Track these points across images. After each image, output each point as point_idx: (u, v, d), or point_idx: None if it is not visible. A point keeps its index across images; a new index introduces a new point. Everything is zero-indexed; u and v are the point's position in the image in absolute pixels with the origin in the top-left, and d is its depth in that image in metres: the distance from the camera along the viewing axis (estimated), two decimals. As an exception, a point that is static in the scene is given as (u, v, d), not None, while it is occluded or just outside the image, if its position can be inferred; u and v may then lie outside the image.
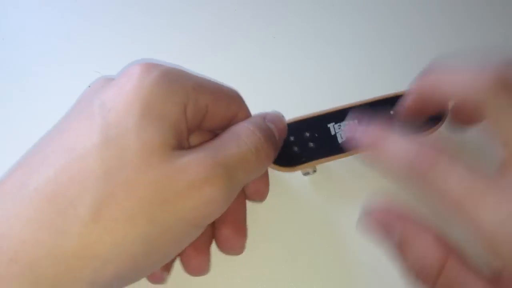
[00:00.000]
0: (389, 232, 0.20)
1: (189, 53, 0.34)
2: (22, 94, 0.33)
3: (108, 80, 0.23)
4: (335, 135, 0.27)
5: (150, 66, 0.22)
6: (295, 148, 0.28)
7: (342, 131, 0.28)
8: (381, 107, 0.28)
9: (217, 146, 0.21)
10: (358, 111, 0.28)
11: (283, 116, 0.26)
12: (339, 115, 0.28)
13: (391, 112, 0.27)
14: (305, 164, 0.28)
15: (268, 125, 0.24)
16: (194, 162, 0.20)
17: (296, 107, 0.28)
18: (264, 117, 0.25)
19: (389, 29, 0.34)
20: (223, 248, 0.25)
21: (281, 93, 0.32)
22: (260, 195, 0.26)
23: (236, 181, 0.21)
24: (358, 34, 0.34)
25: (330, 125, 0.28)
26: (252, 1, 0.36)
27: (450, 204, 0.19)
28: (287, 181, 0.30)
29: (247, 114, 0.25)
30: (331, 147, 0.27)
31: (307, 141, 0.28)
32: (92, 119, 0.20)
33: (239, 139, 0.22)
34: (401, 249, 0.20)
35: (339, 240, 0.29)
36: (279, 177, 0.29)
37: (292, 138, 0.28)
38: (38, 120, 0.33)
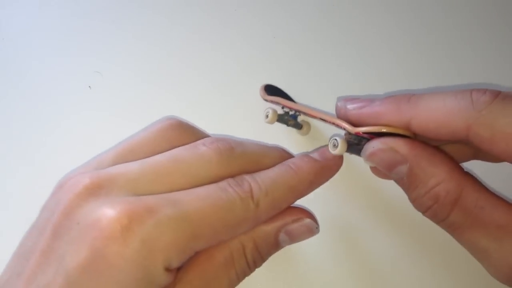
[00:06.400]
0: (393, 169, 0.20)
1: (189, 53, 0.34)
2: (22, 94, 0.33)
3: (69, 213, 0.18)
4: None
5: (130, 225, 0.17)
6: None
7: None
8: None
9: (208, 284, 0.19)
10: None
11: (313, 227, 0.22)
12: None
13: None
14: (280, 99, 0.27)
15: (281, 242, 0.21)
16: None
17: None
18: (282, 226, 0.21)
19: (390, 30, 0.34)
20: None
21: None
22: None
23: None
24: (358, 35, 0.34)
25: None
26: (252, 1, 0.36)
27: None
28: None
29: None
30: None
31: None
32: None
33: (231, 271, 0.20)
34: (410, 181, 0.19)
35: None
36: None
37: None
38: (37, 121, 0.33)
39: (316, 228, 0.22)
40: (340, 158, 0.23)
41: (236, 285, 0.20)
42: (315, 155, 0.22)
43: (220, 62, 0.33)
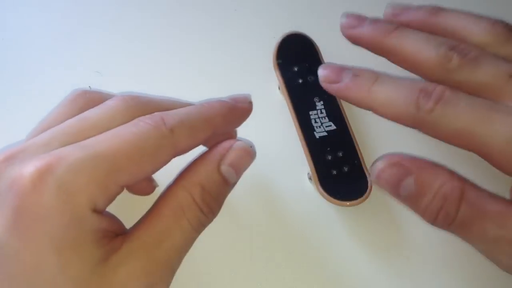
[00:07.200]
0: (401, 184, 0.21)
1: (189, 53, 0.34)
2: (22, 94, 0.33)
3: None
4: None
5: (41, 176, 0.17)
6: (345, 168, 0.27)
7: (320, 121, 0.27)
8: None
9: (158, 238, 0.19)
10: None
11: (250, 149, 0.22)
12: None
13: None
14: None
15: (227, 176, 0.21)
16: (132, 275, 0.18)
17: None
18: (219, 159, 0.21)
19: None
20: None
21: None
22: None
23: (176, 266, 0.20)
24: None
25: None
26: (252, 1, 0.36)
27: (459, 136, 0.20)
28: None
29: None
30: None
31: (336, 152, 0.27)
32: None
33: (182, 221, 0.19)
34: (418, 193, 0.20)
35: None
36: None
37: (334, 172, 0.27)
38: (37, 121, 0.33)
39: (251, 147, 0.22)
40: (250, 103, 0.24)
41: (194, 235, 0.20)
42: (226, 99, 0.23)
43: (220, 62, 0.34)
